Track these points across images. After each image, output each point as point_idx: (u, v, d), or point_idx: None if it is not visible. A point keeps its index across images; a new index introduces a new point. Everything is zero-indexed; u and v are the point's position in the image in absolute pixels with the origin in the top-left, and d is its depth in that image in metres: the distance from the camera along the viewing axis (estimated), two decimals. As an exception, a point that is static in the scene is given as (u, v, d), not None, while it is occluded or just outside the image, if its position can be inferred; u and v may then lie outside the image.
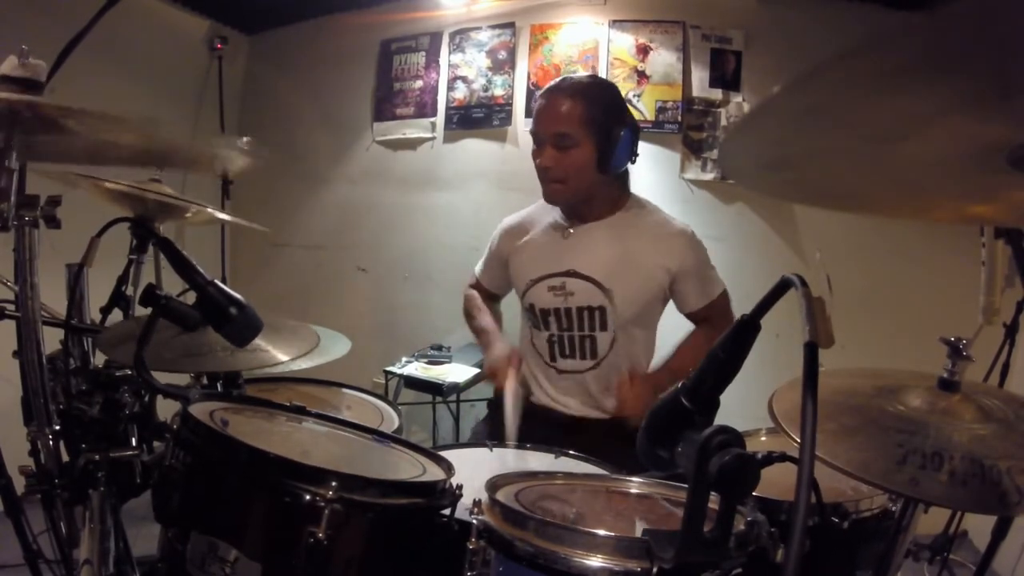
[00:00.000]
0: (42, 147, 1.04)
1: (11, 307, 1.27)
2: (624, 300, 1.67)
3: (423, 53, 3.56)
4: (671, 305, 1.81)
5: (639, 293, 1.69)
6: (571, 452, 1.39)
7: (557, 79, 1.71)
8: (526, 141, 3.33)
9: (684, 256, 1.69)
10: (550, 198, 1.73)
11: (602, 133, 1.61)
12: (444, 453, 1.17)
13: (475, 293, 1.97)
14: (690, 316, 1.79)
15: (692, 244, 1.71)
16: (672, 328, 1.86)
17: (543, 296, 1.73)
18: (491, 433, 1.64)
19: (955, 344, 1.01)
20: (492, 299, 1.98)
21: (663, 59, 3.16)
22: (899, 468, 0.87)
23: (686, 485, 0.72)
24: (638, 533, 0.83)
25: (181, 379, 1.44)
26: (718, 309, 1.75)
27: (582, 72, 3.21)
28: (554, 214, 1.81)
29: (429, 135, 3.56)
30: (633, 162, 1.72)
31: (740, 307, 0.77)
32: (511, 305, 1.93)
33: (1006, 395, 1.04)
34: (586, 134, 1.60)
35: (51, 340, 1.20)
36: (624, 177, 1.76)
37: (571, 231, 1.74)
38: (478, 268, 1.98)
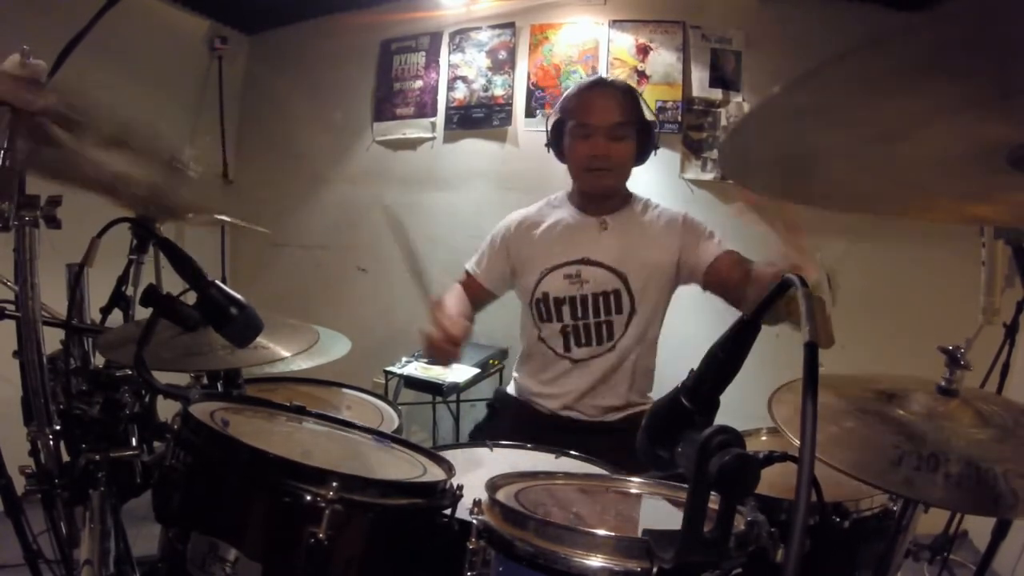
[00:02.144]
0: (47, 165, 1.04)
1: (11, 307, 1.27)
2: (638, 280, 1.74)
3: (423, 53, 3.56)
4: (673, 307, 1.84)
5: (652, 273, 1.75)
6: (572, 452, 1.39)
7: (591, 78, 1.74)
8: (526, 141, 3.35)
9: (685, 228, 1.79)
10: (595, 186, 1.79)
11: (642, 129, 1.75)
12: (444, 453, 1.17)
13: (457, 287, 1.86)
14: (715, 265, 1.71)
15: (691, 219, 1.82)
16: (673, 327, 1.87)
17: (558, 284, 1.76)
18: (491, 436, 1.64)
19: (953, 353, 1.01)
20: (479, 302, 1.88)
21: (663, 59, 3.16)
22: (894, 468, 0.87)
23: (686, 485, 0.72)
24: (638, 533, 0.83)
25: (181, 379, 1.44)
26: (739, 255, 1.73)
27: (582, 72, 3.22)
28: (564, 208, 1.85)
29: (429, 135, 3.56)
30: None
31: (740, 307, 0.77)
32: (512, 307, 1.93)
33: (1005, 401, 1.04)
34: (633, 129, 1.73)
35: (51, 340, 1.20)
36: None
37: (608, 220, 1.79)
38: (472, 264, 1.90)
